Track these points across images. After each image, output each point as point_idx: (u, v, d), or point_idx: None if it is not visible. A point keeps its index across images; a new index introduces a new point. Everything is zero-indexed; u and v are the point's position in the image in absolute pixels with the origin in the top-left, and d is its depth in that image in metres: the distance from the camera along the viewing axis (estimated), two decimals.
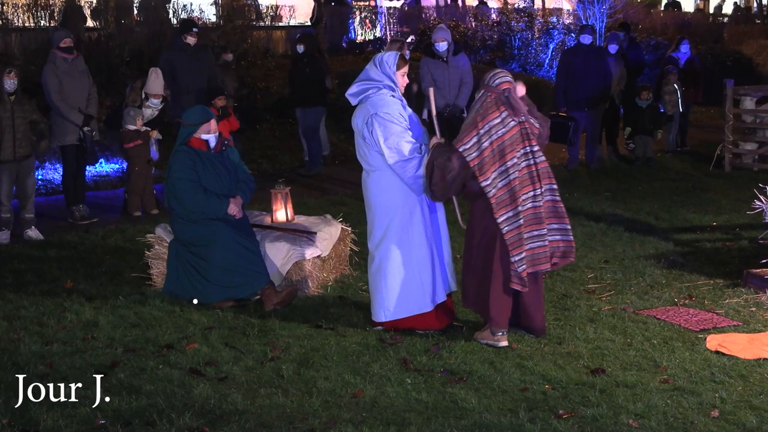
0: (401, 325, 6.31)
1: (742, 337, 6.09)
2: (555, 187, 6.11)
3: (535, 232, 6.00)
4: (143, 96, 10.50)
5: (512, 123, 5.97)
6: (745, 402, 5.06)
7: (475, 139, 5.94)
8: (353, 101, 6.33)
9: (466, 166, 5.94)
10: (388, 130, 6.10)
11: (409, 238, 6.25)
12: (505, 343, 6.07)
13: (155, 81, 10.45)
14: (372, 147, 6.19)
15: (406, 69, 6.39)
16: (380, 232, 6.31)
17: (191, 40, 11.46)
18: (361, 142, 6.30)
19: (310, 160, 13.09)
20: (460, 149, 5.94)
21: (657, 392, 5.20)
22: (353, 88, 6.33)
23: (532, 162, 6.00)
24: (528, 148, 6.00)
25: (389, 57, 6.35)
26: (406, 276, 6.26)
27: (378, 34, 24.95)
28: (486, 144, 5.93)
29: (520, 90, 6.14)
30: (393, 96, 6.25)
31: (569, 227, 6.15)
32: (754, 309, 6.77)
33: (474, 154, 5.93)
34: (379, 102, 6.18)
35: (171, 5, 19.97)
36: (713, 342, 5.97)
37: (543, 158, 6.07)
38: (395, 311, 6.28)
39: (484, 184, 5.94)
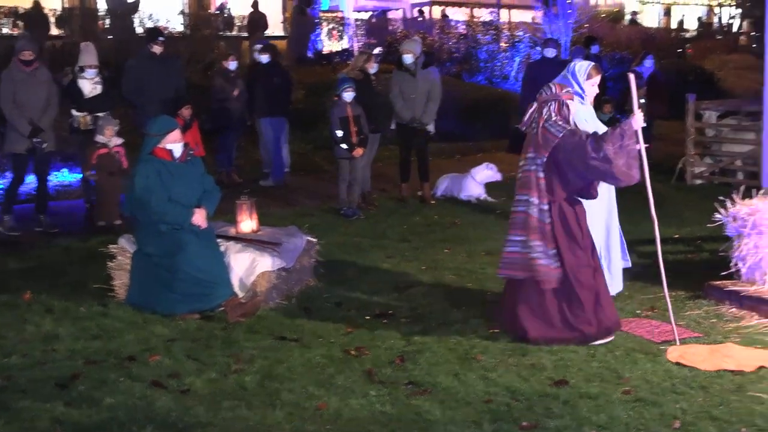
0: None
1: (703, 348, 6.14)
2: (524, 198, 6.32)
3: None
4: (78, 69, 10.48)
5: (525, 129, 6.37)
6: (705, 413, 5.10)
7: None
8: None
9: None
10: None
11: None
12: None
13: (88, 53, 10.49)
14: None
15: (597, 78, 6.87)
16: None
17: (157, 49, 11.43)
18: None
19: (274, 171, 13.06)
20: None
21: (619, 403, 5.23)
22: None
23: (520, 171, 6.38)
24: (529, 153, 6.34)
25: (581, 66, 6.80)
26: None
27: (345, 46, 25.02)
28: None
29: None
30: (581, 103, 6.66)
31: (521, 238, 6.34)
32: (714, 320, 6.84)
33: None
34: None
35: (138, 14, 19.91)
36: (674, 353, 6.02)
37: (527, 167, 6.33)
38: None
39: None
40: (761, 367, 5.76)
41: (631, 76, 6.43)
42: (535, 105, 6.38)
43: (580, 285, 6.25)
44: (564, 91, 6.34)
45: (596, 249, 6.56)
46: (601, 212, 7.01)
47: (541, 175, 6.27)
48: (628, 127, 6.10)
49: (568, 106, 6.30)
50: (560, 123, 6.21)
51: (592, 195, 6.42)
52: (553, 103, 6.28)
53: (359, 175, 11.01)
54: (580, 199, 6.42)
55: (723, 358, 5.91)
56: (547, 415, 5.08)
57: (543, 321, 6.28)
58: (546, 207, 6.27)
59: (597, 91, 6.92)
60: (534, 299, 6.30)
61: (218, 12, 25.07)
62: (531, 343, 6.23)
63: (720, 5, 39.56)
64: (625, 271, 8.23)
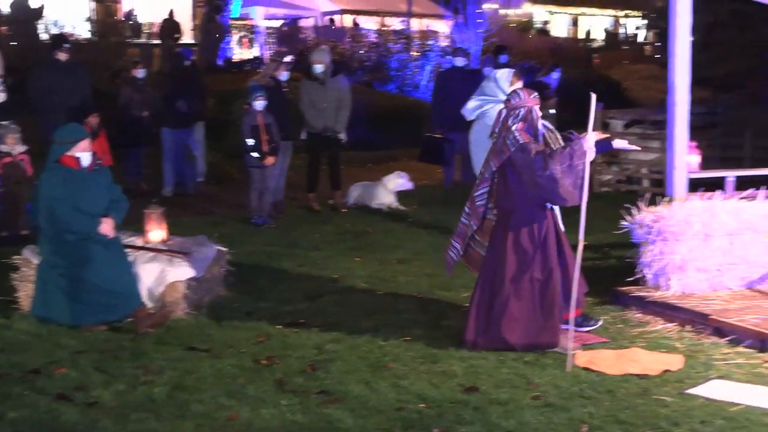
0: None
1: (610, 353, 6.26)
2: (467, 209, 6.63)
3: None
4: None
5: None
6: (612, 417, 5.20)
7: None
8: (470, 116, 6.58)
9: None
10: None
11: None
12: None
13: None
14: None
15: (519, 84, 6.81)
16: None
17: (62, 56, 11.23)
18: (484, 154, 6.53)
19: (170, 179, 12.92)
20: None
21: (529, 409, 5.30)
22: (470, 104, 6.78)
23: None
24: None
25: (503, 73, 6.66)
26: None
27: (256, 54, 24.90)
28: None
29: None
30: None
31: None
32: (621, 326, 6.99)
33: None
34: None
35: (42, 20, 19.50)
36: (582, 359, 6.11)
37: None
38: None
39: None
40: (666, 371, 5.90)
41: (593, 97, 6.16)
42: (504, 112, 6.32)
43: (516, 295, 6.27)
44: (531, 96, 6.30)
45: (557, 263, 6.37)
46: None
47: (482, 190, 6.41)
48: (578, 147, 6.03)
49: (536, 112, 6.27)
50: (517, 135, 6.16)
51: (558, 202, 6.34)
52: (521, 110, 6.24)
53: (271, 184, 10.95)
54: (550, 206, 6.41)
55: (629, 362, 6.04)
56: (458, 422, 5.12)
57: (476, 324, 6.35)
58: (467, 210, 6.58)
59: None
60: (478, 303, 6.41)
61: (125, 19, 24.70)
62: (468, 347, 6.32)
63: (626, 16, 40.56)
64: None
